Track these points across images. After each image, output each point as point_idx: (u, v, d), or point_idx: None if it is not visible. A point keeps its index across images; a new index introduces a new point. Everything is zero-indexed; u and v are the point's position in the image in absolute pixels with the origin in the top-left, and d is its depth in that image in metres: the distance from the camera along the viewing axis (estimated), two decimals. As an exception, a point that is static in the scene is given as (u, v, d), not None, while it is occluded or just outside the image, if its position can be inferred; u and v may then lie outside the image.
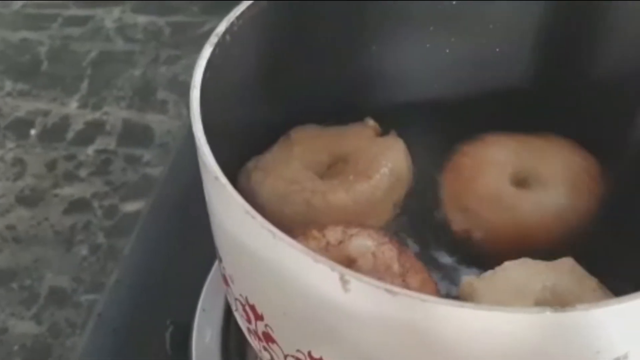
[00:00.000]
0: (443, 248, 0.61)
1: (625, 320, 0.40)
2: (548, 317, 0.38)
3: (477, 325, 0.39)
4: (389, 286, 0.39)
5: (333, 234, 0.54)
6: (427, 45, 0.67)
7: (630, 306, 0.38)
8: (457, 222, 0.62)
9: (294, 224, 0.56)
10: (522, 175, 0.63)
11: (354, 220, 0.57)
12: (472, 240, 0.61)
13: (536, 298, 0.53)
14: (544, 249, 0.57)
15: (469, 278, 0.55)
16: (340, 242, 0.54)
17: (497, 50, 0.67)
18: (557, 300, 0.53)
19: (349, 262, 0.53)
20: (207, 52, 0.51)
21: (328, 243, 0.53)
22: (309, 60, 0.63)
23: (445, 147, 0.66)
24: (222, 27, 0.53)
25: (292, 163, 0.61)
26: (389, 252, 0.53)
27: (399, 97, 0.69)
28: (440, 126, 0.65)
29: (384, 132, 0.65)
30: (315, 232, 0.54)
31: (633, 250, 0.59)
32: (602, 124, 0.64)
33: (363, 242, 0.53)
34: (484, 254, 0.59)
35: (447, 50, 0.67)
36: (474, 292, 0.54)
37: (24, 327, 0.84)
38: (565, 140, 0.65)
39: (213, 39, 0.52)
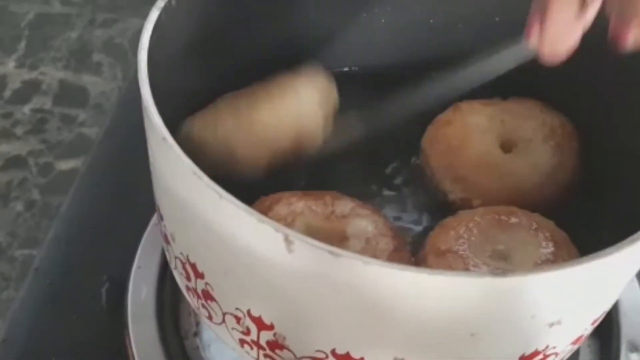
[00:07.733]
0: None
1: (560, 288, 0.40)
2: (488, 281, 0.37)
3: (418, 288, 0.38)
4: (332, 248, 0.38)
5: (343, 206, 0.52)
6: (364, 14, 0.66)
7: (565, 274, 0.38)
8: (455, 192, 0.60)
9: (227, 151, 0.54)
10: (507, 138, 0.62)
11: (286, 136, 0.55)
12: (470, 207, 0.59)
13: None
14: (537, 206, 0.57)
15: None
16: (344, 217, 0.52)
17: (431, 21, 0.67)
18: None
19: (341, 238, 0.51)
20: (154, 15, 0.49)
21: (333, 212, 0.52)
22: (249, 26, 0.62)
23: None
24: (168, -8, 0.51)
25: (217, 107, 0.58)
26: (384, 245, 0.51)
27: (334, 63, 0.67)
28: (376, 94, 0.64)
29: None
30: (327, 198, 0.52)
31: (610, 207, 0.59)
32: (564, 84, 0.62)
33: (365, 226, 0.52)
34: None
35: (383, 20, 0.67)
36: None
37: (-41, 280, 0.82)
38: (534, 101, 0.64)
39: (160, 3, 0.50)
